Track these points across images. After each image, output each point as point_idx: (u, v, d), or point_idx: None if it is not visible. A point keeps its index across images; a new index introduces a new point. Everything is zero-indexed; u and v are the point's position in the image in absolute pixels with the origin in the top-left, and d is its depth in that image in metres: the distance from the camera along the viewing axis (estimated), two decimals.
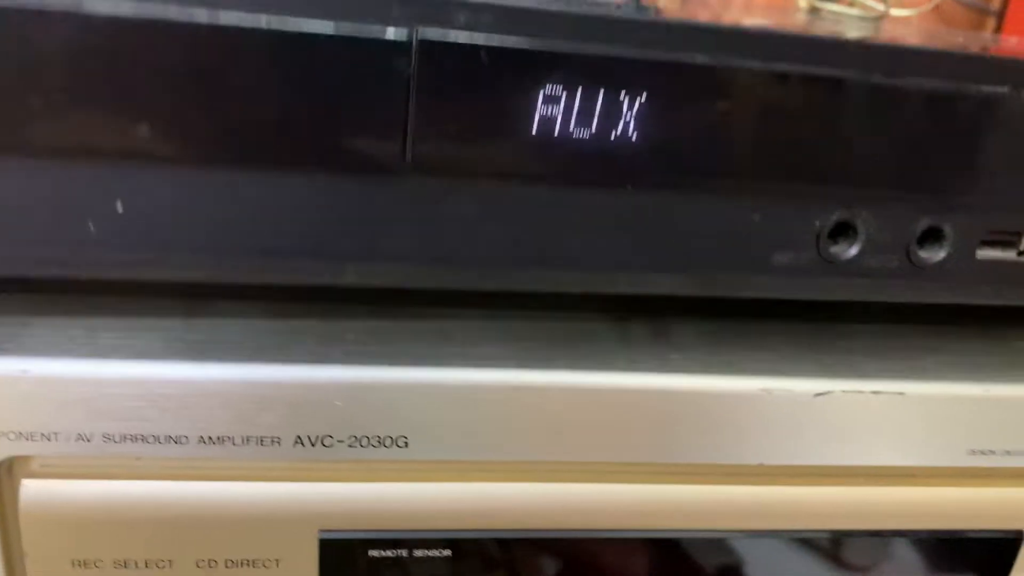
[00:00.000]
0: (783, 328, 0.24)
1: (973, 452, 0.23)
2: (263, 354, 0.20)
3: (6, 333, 0.20)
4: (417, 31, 0.17)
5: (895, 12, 0.58)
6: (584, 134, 0.19)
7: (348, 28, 0.17)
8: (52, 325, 0.21)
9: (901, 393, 0.22)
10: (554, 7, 0.18)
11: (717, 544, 0.23)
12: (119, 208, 0.18)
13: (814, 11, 0.47)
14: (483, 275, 0.20)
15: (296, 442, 0.20)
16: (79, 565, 0.21)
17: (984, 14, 0.77)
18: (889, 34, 0.27)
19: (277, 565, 0.21)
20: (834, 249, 0.21)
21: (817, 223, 0.21)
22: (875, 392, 0.22)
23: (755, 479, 0.22)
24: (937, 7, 0.78)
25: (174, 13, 0.17)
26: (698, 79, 0.19)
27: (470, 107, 0.18)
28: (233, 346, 0.21)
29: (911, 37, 0.27)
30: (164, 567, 0.21)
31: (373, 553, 0.21)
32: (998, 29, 0.74)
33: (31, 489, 0.20)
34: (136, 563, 0.21)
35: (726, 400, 0.21)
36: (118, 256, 0.19)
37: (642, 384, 0.21)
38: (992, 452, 0.23)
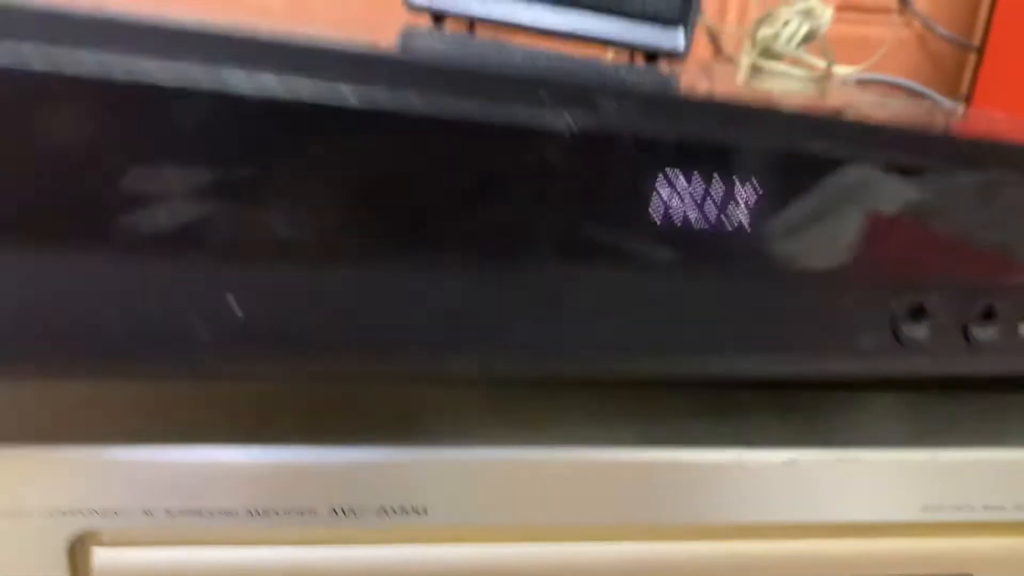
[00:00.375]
0: (754, 398, 0.27)
1: (926, 508, 0.26)
2: (297, 435, 0.23)
3: (79, 417, 0.23)
4: (565, 115, 0.18)
5: (838, 70, 0.60)
6: (710, 223, 0.20)
7: (490, 111, 0.17)
8: (113, 411, 0.24)
9: (858, 460, 0.25)
10: (691, 96, 0.20)
11: None
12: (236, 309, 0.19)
13: (756, 70, 0.49)
14: (600, 364, 0.21)
15: (330, 512, 0.23)
16: None
17: (966, 49, 0.80)
18: (838, 95, 0.30)
19: None
20: (907, 331, 0.23)
21: (893, 306, 0.23)
22: (838, 460, 0.25)
23: (732, 536, 0.26)
24: (921, 41, 0.81)
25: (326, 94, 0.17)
26: (814, 170, 0.20)
27: (608, 194, 0.19)
28: (269, 427, 0.24)
29: (876, 108, 0.30)
30: None
31: None
32: (979, 64, 0.77)
33: (101, 557, 0.23)
34: None
35: (705, 469, 0.24)
36: (235, 357, 0.19)
37: (629, 458, 0.24)
38: (942, 507, 0.26)
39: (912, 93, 0.79)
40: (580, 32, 0.34)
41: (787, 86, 0.38)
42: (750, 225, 0.21)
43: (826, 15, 0.58)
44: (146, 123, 0.17)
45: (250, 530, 0.23)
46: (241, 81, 0.17)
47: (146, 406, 0.24)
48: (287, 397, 0.25)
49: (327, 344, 0.20)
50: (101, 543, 0.23)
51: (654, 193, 0.20)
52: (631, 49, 0.35)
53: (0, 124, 0.16)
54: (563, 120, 0.19)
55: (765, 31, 0.58)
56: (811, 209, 0.21)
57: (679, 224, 0.20)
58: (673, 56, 0.35)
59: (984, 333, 0.24)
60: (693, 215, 0.20)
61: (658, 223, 0.20)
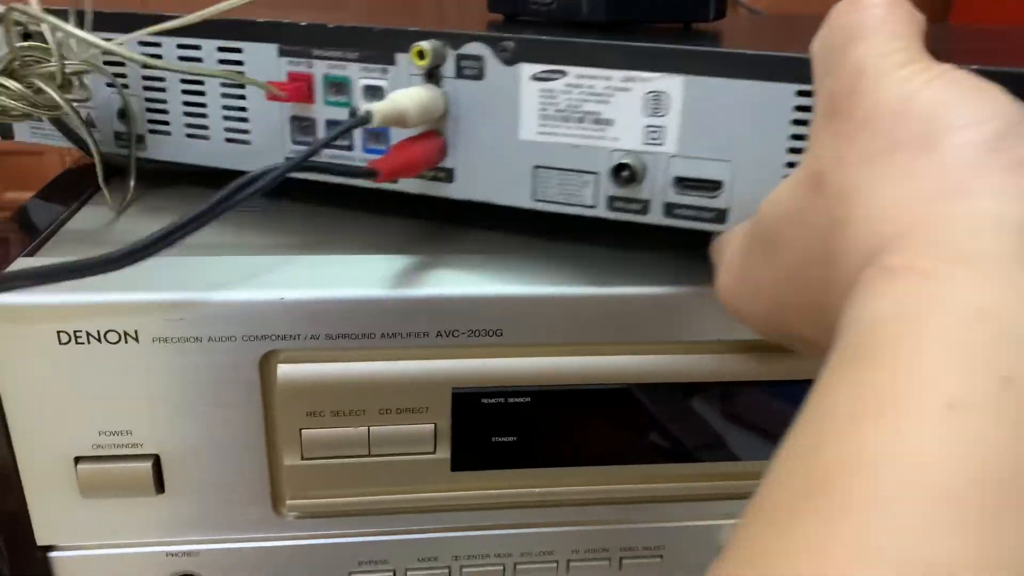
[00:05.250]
0: None
1: None
2: (415, 280, 0.34)
3: (267, 264, 0.34)
4: None
5: None
6: None
7: None
8: (295, 262, 0.35)
9: None
10: None
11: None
12: None
13: None
14: None
15: (437, 334, 0.34)
16: (310, 415, 0.35)
17: None
18: None
19: (427, 411, 0.35)
20: None
21: None
22: None
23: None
24: None
25: None
26: None
27: None
28: (392, 274, 0.34)
29: None
30: (360, 414, 0.35)
31: (484, 400, 0.35)
32: (946, 9, 0.86)
33: (283, 369, 0.34)
34: (343, 412, 0.35)
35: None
36: None
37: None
38: None
39: None
40: None
41: None
42: None
43: None
44: None
45: (382, 349, 0.34)
46: None
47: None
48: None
49: None
50: (281, 360, 0.34)
51: None
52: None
53: None
54: None
55: None
56: None
57: None
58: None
59: None
60: None
61: None
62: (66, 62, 0.33)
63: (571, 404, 0.36)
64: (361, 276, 0.34)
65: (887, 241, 0.20)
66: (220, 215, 0.29)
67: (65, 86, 0.34)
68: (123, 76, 0.38)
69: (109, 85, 0.38)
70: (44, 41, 0.33)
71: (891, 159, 0.21)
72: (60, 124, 0.38)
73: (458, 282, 0.34)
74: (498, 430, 0.36)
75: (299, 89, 0.35)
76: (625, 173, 0.31)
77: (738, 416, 0.37)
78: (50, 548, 0.36)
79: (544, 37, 0.31)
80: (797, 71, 0.28)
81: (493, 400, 0.35)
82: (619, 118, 0.31)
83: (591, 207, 0.33)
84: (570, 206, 0.33)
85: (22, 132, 0.41)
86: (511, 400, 0.35)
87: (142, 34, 0.35)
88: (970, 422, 0.16)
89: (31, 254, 0.35)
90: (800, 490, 0.17)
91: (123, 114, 0.39)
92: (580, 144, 0.32)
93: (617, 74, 0.31)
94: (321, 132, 0.35)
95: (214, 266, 0.35)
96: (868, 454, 0.16)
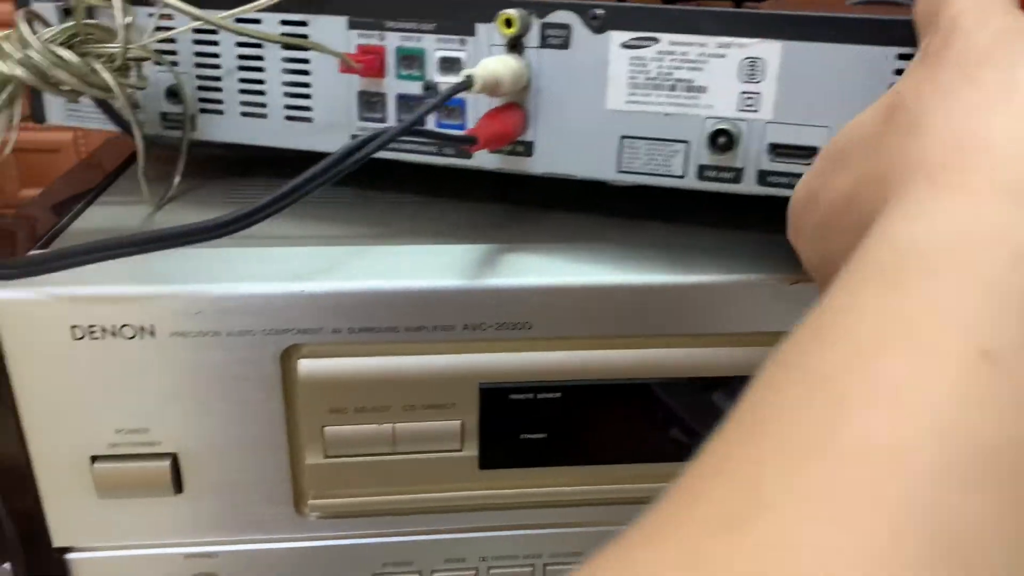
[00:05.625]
0: None
1: None
2: (438, 272, 0.33)
3: (287, 255, 0.33)
4: None
5: None
6: None
7: None
8: (309, 254, 0.33)
9: None
10: None
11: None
12: None
13: None
14: None
15: (464, 328, 0.33)
16: (333, 412, 0.33)
17: None
18: None
19: (453, 407, 0.34)
20: None
21: None
22: None
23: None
24: None
25: None
26: None
27: None
28: (416, 267, 0.33)
29: None
30: (385, 410, 0.34)
31: (513, 396, 0.34)
32: None
33: (304, 365, 0.33)
34: (367, 408, 0.33)
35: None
36: None
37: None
38: None
39: None
40: None
41: None
42: None
43: None
44: None
45: (406, 343, 0.33)
46: None
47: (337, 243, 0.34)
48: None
49: None
50: (303, 354, 0.33)
51: None
52: None
53: None
54: None
55: None
56: None
57: None
58: None
59: None
60: None
61: None
62: (129, 46, 0.32)
63: (603, 399, 0.35)
64: (385, 267, 0.33)
65: (945, 157, 0.19)
66: (332, 180, 0.29)
67: (122, 69, 0.32)
68: (173, 54, 0.37)
69: (157, 64, 0.36)
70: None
71: (969, 92, 0.20)
72: (104, 105, 0.36)
73: (484, 273, 0.33)
74: (527, 426, 0.35)
75: (371, 62, 0.33)
76: (722, 140, 0.31)
77: None
78: (67, 550, 0.35)
79: (635, 3, 0.31)
80: (897, 33, 0.28)
81: (522, 396, 0.34)
82: (713, 85, 0.31)
83: (680, 177, 0.32)
84: (658, 176, 0.32)
85: (57, 114, 0.40)
86: (540, 396, 0.34)
87: (243, 10, 0.33)
88: (1002, 374, 0.15)
89: (44, 247, 0.34)
90: (802, 418, 0.15)
91: (172, 93, 0.37)
92: (671, 112, 0.31)
93: (712, 40, 0.30)
94: (392, 107, 0.35)
95: (232, 257, 0.33)
96: (890, 389, 0.15)
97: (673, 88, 0.31)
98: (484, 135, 0.31)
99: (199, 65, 0.37)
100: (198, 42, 0.36)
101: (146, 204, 0.38)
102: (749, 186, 0.32)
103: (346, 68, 0.34)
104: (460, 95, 0.33)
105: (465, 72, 0.30)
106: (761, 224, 0.37)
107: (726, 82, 0.30)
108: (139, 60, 0.33)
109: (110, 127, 0.38)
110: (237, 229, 0.28)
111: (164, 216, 0.38)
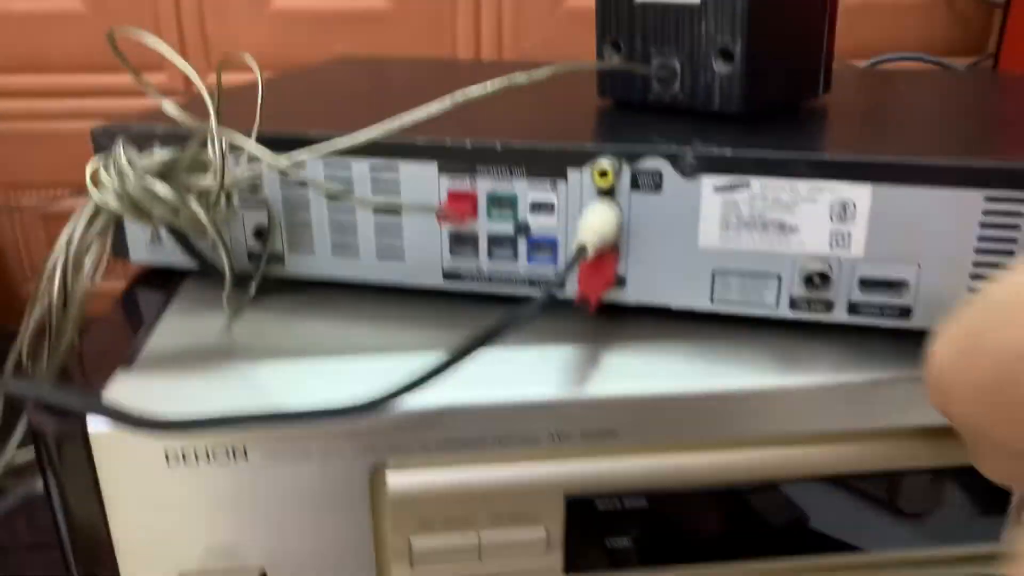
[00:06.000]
0: None
1: None
2: (523, 381, 0.33)
3: (362, 369, 0.33)
4: None
5: None
6: None
7: None
8: (391, 367, 0.33)
9: None
10: None
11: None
12: None
13: None
14: None
15: (549, 439, 0.33)
16: (420, 524, 0.33)
17: (991, 8, 0.87)
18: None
19: (539, 517, 0.34)
20: None
21: None
22: None
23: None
24: (948, 2, 0.88)
25: None
26: None
27: None
28: (500, 376, 0.33)
29: None
30: (471, 522, 0.34)
31: (598, 505, 0.34)
32: (1004, 22, 0.83)
33: (393, 481, 0.33)
34: (453, 519, 0.33)
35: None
36: None
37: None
38: None
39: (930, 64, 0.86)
40: None
41: None
42: None
43: None
44: None
45: (493, 453, 0.33)
46: None
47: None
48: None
49: None
50: (391, 470, 0.33)
51: None
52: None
53: None
54: None
55: None
56: None
57: None
58: None
59: None
60: None
61: None
62: (226, 181, 0.32)
63: (691, 504, 0.35)
64: (469, 377, 0.33)
65: None
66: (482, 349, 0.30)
67: (215, 205, 0.33)
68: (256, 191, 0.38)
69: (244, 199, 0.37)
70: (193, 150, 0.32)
71: None
72: (183, 240, 0.37)
73: (570, 382, 0.33)
74: (613, 533, 0.35)
75: (463, 209, 0.35)
76: (816, 279, 0.32)
77: (867, 499, 0.36)
78: None
79: (727, 151, 0.32)
80: (985, 177, 0.29)
81: (607, 504, 0.34)
82: (804, 225, 0.32)
83: (773, 308, 0.33)
84: (751, 307, 0.34)
85: (139, 250, 0.40)
86: (627, 503, 0.34)
87: (325, 151, 0.34)
88: None
89: (128, 364, 0.35)
90: None
91: (259, 232, 0.38)
92: (763, 250, 0.33)
93: (803, 184, 0.31)
94: (483, 246, 0.36)
95: (315, 371, 0.34)
96: None
97: (765, 228, 0.32)
98: (594, 295, 0.33)
99: (289, 206, 0.37)
100: (287, 184, 0.37)
101: (218, 311, 0.39)
102: (840, 316, 0.33)
103: (443, 218, 0.35)
104: (548, 230, 0.34)
105: (578, 243, 0.32)
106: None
107: (817, 222, 0.32)
108: (229, 195, 0.34)
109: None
110: (394, 397, 0.30)
111: (243, 328, 0.38)
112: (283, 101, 0.46)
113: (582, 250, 0.32)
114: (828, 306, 0.33)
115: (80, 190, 0.31)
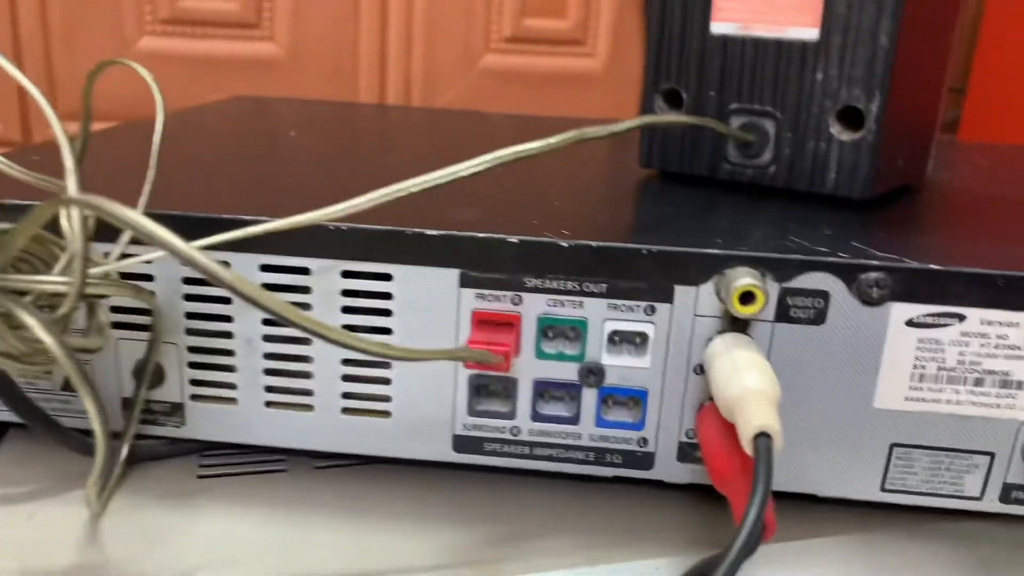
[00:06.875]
0: None
1: None
2: None
3: None
4: None
5: None
6: None
7: None
8: None
9: None
10: None
11: None
12: None
13: None
14: None
15: None
16: None
17: (951, 92, 0.83)
18: None
19: None
20: None
21: None
22: None
23: None
24: None
25: None
26: None
27: None
28: None
29: None
30: None
31: None
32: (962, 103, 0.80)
33: None
34: None
35: None
36: None
37: None
38: None
39: None
40: None
41: None
42: None
43: None
44: None
45: None
46: None
47: None
48: None
49: None
50: None
51: None
52: None
53: None
54: None
55: None
56: None
57: None
58: None
59: None
60: None
61: None
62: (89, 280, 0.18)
63: None
64: None
65: None
66: None
67: (64, 319, 0.18)
68: (145, 313, 0.23)
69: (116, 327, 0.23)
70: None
71: None
72: (5, 383, 0.21)
73: None
74: None
75: (500, 343, 0.22)
76: None
77: None
78: None
79: (932, 265, 0.21)
80: None
81: None
82: None
83: (975, 499, 0.23)
84: (941, 497, 0.24)
85: None
86: None
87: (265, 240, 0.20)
88: None
89: None
90: None
91: (140, 372, 0.23)
92: (972, 415, 0.23)
93: None
94: (525, 396, 0.23)
95: None
96: None
97: (979, 383, 0.22)
98: (771, 516, 0.19)
99: (193, 331, 0.23)
100: (192, 297, 0.22)
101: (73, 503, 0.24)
102: None
103: (475, 366, 0.23)
104: (634, 377, 0.22)
105: (757, 427, 0.19)
106: None
107: None
108: (92, 304, 0.19)
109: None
110: None
111: (111, 535, 0.23)
112: (176, 157, 0.31)
113: (766, 443, 0.18)
114: None
115: None
